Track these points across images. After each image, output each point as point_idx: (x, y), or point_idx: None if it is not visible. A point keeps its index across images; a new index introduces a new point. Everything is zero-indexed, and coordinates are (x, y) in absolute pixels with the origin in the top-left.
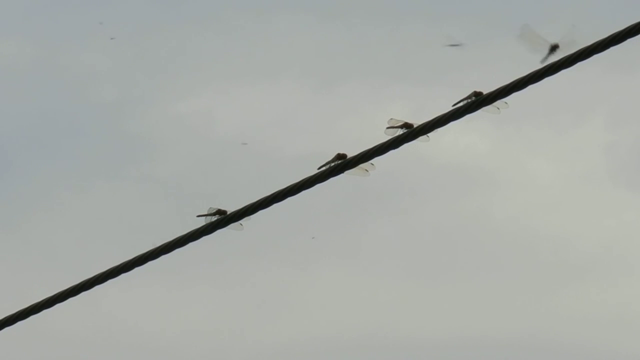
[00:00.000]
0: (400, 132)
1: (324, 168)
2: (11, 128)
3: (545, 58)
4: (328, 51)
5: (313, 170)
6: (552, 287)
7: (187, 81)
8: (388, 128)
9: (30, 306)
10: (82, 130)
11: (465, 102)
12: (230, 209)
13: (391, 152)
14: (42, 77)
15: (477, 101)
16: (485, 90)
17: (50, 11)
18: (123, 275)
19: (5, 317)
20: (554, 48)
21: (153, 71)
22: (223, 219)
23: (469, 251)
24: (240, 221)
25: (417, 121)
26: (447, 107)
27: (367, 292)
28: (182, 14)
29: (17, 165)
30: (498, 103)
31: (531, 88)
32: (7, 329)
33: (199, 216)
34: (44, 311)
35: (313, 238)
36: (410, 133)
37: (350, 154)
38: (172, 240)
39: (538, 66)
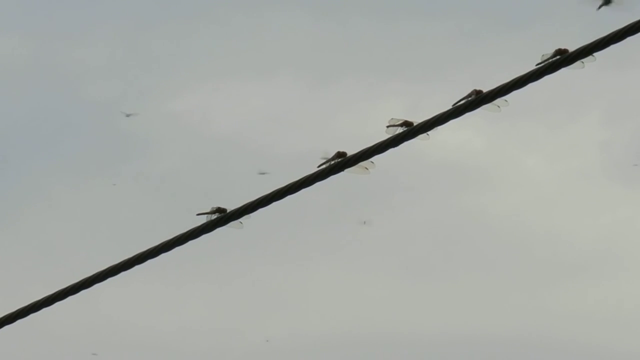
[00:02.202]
0: (400, 130)
1: (324, 166)
2: (5, 126)
3: (599, 8)
4: (323, 48)
5: (312, 169)
6: (548, 284)
7: (182, 79)
8: (388, 127)
9: (30, 304)
10: (76, 127)
11: (465, 100)
12: (228, 206)
13: (390, 150)
14: (36, 74)
15: (477, 99)
16: (483, 87)
17: (45, 8)
18: (123, 274)
19: (5, 316)
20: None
21: (148, 69)
22: (223, 217)
23: (464, 248)
24: (240, 219)
25: (414, 118)
26: (443, 103)
27: (363, 290)
28: (177, 11)
29: (12, 163)
30: (498, 101)
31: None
32: (6, 327)
33: (198, 214)
34: (44, 309)
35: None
36: (410, 131)
37: (348, 151)
38: (172, 239)
39: (536, 60)
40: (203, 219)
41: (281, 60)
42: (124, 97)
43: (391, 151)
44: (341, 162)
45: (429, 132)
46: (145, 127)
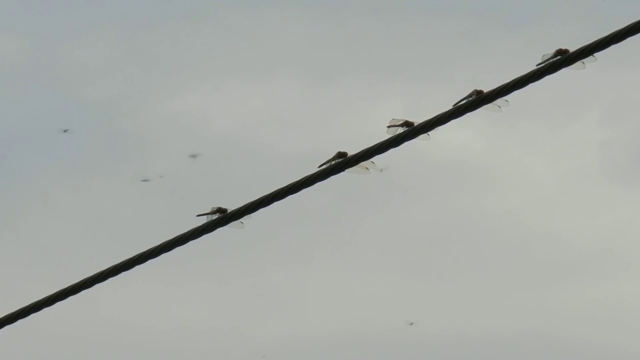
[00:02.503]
0: (401, 130)
1: (325, 166)
2: (5, 125)
3: None
4: (323, 47)
5: (313, 169)
6: (547, 284)
7: (181, 79)
8: (389, 127)
9: (31, 304)
10: (76, 127)
11: (466, 100)
12: (228, 206)
13: (390, 150)
14: (36, 74)
15: (478, 99)
16: (483, 86)
17: (44, 8)
18: (124, 274)
19: (5, 316)
20: None
21: (147, 68)
22: (223, 217)
23: (464, 248)
24: (241, 219)
25: (414, 118)
26: (442, 103)
27: (364, 289)
28: (176, 11)
29: (12, 163)
30: (499, 101)
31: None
32: (7, 327)
33: (199, 215)
34: (45, 309)
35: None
36: (411, 131)
37: (348, 150)
38: (173, 239)
39: (536, 60)
40: (204, 219)
41: (280, 60)
42: (123, 97)
43: (392, 151)
44: (342, 162)
45: (429, 132)
46: (144, 127)
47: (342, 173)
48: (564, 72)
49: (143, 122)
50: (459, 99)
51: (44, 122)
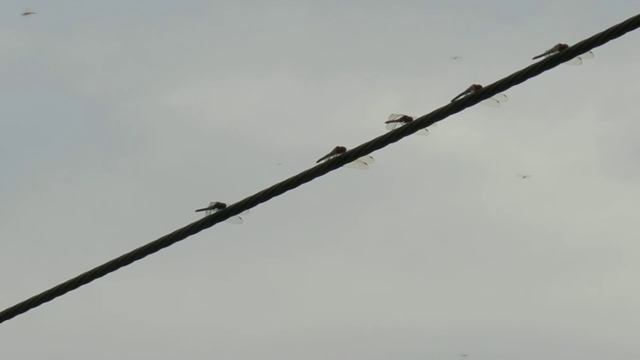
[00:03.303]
0: (399, 125)
1: (323, 161)
2: (2, 121)
3: None
4: (320, 42)
5: (311, 164)
6: (545, 278)
7: (179, 73)
8: (388, 122)
9: (30, 299)
10: (73, 122)
11: (464, 95)
12: (227, 201)
13: (389, 145)
14: (33, 69)
15: (477, 94)
16: (480, 81)
17: (41, 3)
18: (122, 268)
19: (4, 310)
20: None
21: (144, 63)
22: (222, 212)
23: (462, 242)
24: (240, 214)
25: (412, 112)
26: (441, 97)
27: (362, 284)
28: (173, 6)
29: (10, 158)
30: (497, 96)
31: None
32: (6, 322)
33: (198, 210)
34: (43, 304)
35: None
36: (410, 126)
37: (346, 145)
38: (172, 234)
39: (534, 55)
40: (202, 214)
41: (278, 55)
42: (120, 92)
43: (390, 146)
44: (340, 157)
45: (427, 127)
46: (142, 121)
47: (340, 168)
48: (561, 66)
49: (140, 117)
50: (458, 94)
51: (42, 117)
